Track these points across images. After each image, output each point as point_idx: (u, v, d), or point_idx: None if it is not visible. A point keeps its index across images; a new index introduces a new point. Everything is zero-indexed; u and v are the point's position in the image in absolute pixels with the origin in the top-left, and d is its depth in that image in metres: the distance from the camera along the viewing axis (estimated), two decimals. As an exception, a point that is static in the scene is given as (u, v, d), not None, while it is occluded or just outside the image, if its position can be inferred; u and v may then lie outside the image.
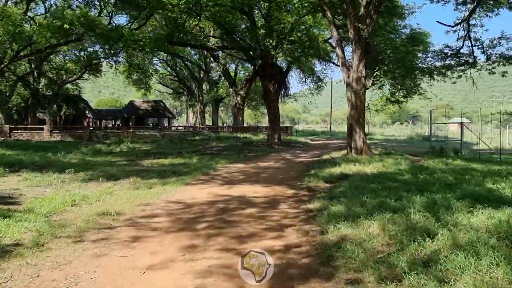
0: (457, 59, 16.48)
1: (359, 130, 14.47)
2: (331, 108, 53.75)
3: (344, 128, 70.89)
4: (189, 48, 33.33)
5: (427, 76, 15.82)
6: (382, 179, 8.87)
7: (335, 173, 10.68)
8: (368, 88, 14.41)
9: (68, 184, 9.86)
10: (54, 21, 20.58)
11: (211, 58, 39.48)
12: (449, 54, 16.56)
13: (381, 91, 15.22)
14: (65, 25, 15.42)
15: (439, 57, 16.44)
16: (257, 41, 19.08)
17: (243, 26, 21.24)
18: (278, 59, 21.54)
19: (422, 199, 6.37)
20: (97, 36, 17.43)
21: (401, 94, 16.06)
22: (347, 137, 15.11)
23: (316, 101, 37.09)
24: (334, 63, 26.22)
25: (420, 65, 15.77)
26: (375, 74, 13.74)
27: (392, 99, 15.45)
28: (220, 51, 25.60)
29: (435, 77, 15.94)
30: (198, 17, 17.88)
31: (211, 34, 24.27)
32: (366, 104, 14.84)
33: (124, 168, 13.11)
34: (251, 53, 21.90)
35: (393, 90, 15.79)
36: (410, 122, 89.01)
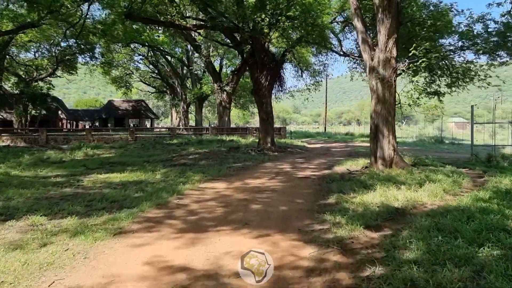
0: (503, 41, 12.42)
1: (388, 132, 10.32)
2: (326, 107, 49.75)
3: (339, 129, 66.74)
4: (167, 36, 28.78)
5: (486, 55, 11.73)
6: (481, 226, 4.71)
7: (373, 205, 6.49)
8: (400, 74, 10.28)
9: None
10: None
11: (194, 52, 35.14)
12: (493, 33, 12.51)
13: (416, 78, 11.05)
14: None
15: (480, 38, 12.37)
16: (244, 19, 14.82)
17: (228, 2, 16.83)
18: (272, 42, 17.31)
19: None
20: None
21: (444, 83, 11.85)
22: (370, 141, 10.95)
23: (306, 101, 32.61)
24: (336, 52, 22.08)
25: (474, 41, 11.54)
26: (411, 53, 9.61)
27: (430, 89, 11.25)
28: (197, 31, 21.18)
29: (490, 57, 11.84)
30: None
31: (187, 12, 19.86)
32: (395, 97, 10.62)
33: (47, 191, 8.78)
34: (237, 36, 17.61)
35: (432, 78, 11.57)
36: (404, 122, 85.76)
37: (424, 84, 11.27)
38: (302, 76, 25.36)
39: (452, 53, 11.47)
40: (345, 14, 21.58)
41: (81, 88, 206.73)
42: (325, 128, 50.27)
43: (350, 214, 6.07)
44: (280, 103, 57.71)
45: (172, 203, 7.39)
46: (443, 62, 11.32)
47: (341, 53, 21.89)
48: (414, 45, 9.75)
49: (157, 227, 5.78)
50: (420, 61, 9.55)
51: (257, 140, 20.81)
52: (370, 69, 10.60)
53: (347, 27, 22.12)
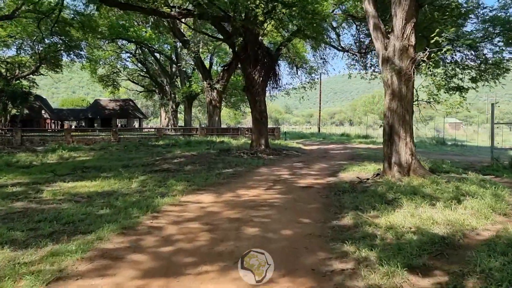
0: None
1: (406, 134, 8.79)
2: (320, 107, 48.30)
3: (333, 130, 65.10)
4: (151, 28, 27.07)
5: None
6: None
7: (407, 231, 4.93)
8: (420, 65, 8.76)
9: None
10: None
11: (183, 48, 33.39)
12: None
13: (438, 70, 9.54)
14: None
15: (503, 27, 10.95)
16: (235, 7, 13.23)
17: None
18: (266, 35, 15.72)
19: None
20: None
21: (468, 77, 10.34)
22: (383, 144, 9.41)
23: (301, 99, 30.94)
24: (334, 46, 20.58)
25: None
26: (433, 40, 8.13)
27: (452, 84, 9.73)
28: (182, 21, 19.51)
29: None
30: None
31: (175, 5, 18.17)
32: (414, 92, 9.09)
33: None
34: (228, 28, 15.99)
35: (454, 71, 10.07)
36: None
37: (443, 79, 9.75)
38: (297, 73, 23.82)
39: (482, 41, 10.01)
40: (344, 7, 20.18)
41: (70, 87, 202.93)
42: (319, 128, 48.81)
43: (379, 245, 4.49)
44: (273, 102, 56.15)
45: (143, 225, 5.74)
46: (471, 52, 9.88)
47: (340, 48, 20.41)
48: (437, 30, 8.22)
49: (114, 267, 4.14)
50: (444, 49, 8.02)
51: (250, 142, 19.21)
52: (384, 60, 9.07)
53: (345, 21, 20.71)
